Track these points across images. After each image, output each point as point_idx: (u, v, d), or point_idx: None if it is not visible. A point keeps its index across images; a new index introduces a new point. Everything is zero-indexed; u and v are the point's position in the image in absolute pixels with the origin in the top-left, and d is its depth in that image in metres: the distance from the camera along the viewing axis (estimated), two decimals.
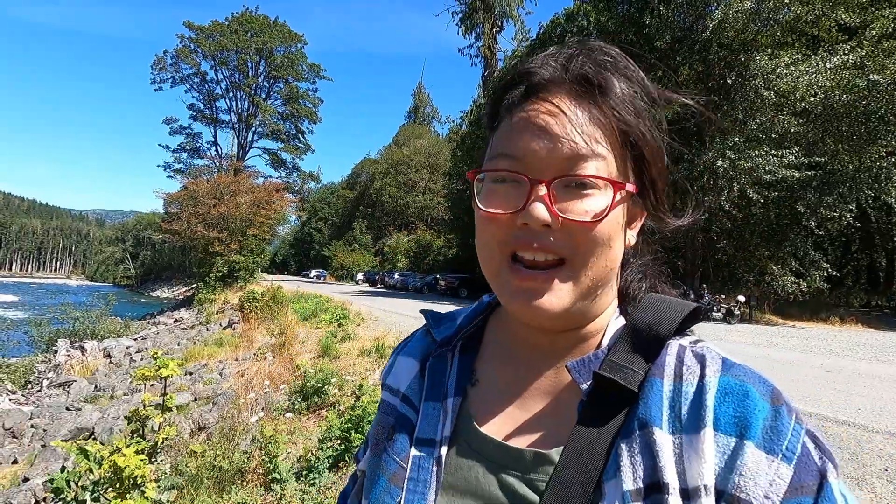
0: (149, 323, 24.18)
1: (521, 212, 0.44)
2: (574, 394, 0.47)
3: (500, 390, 0.52)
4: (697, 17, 15.95)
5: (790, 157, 14.74)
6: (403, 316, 13.10)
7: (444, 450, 0.49)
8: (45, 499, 4.73)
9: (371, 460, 0.57)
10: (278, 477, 2.75)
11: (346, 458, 3.00)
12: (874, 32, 15.08)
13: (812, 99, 15.13)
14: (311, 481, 2.76)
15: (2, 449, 6.99)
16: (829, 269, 17.82)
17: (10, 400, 9.73)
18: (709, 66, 16.39)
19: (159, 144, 37.35)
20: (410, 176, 46.85)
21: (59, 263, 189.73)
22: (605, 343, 0.49)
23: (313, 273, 49.43)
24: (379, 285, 34.16)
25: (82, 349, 15.15)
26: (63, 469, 2.03)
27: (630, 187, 0.46)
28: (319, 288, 25.88)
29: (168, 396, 2.58)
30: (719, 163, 15.15)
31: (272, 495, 2.73)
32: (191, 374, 9.93)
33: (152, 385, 8.06)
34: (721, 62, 15.91)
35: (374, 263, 45.47)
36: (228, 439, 3.59)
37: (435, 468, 0.48)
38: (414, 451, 0.50)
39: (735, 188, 15.44)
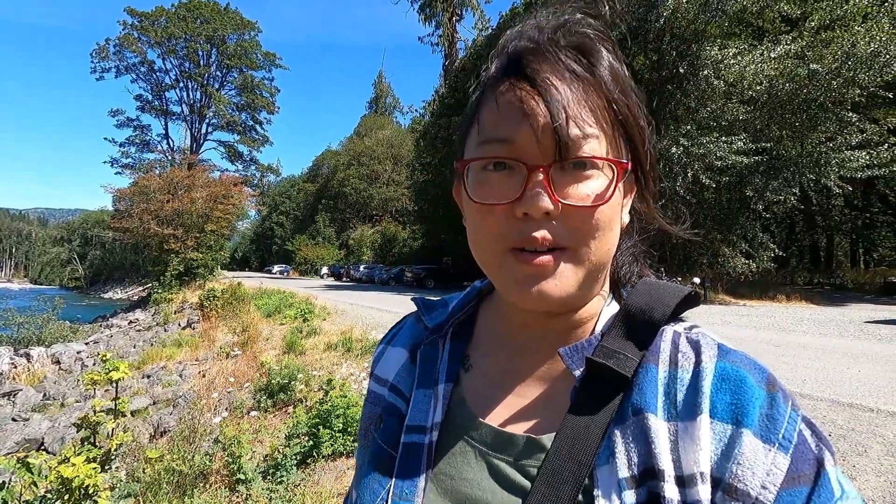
0: (101, 326, 23.03)
1: (518, 201, 0.41)
2: (568, 380, 0.46)
3: (494, 376, 0.51)
4: (650, 8, 16.34)
5: (738, 143, 15.44)
6: (370, 308, 13.00)
7: (435, 435, 0.48)
8: None
9: (359, 452, 0.55)
10: (243, 477, 2.67)
11: (314, 454, 2.95)
12: (813, 23, 15.89)
13: (758, 87, 15.85)
14: (279, 479, 2.69)
15: None
16: (776, 250, 18.86)
17: None
18: (662, 56, 16.88)
19: (105, 138, 35.34)
20: (373, 167, 46.26)
21: None
22: (598, 328, 0.48)
23: (276, 268, 48.26)
24: (345, 279, 33.74)
25: (27, 356, 14.29)
26: (3, 485, 1.88)
27: (629, 165, 0.44)
28: (283, 283, 25.33)
29: (121, 400, 2.45)
30: (673, 150, 15.69)
31: (237, 496, 2.65)
32: (149, 377, 9.55)
33: (106, 390, 7.70)
34: (674, 52, 16.41)
35: (339, 257, 44.81)
36: (189, 442, 3.47)
37: (426, 454, 0.47)
38: (404, 438, 0.49)
39: (689, 174, 16.04)
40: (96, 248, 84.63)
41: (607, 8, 0.49)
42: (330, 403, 3.14)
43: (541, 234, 0.42)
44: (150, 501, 2.46)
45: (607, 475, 0.40)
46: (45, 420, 7.58)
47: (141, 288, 40.37)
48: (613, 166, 0.42)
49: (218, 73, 37.58)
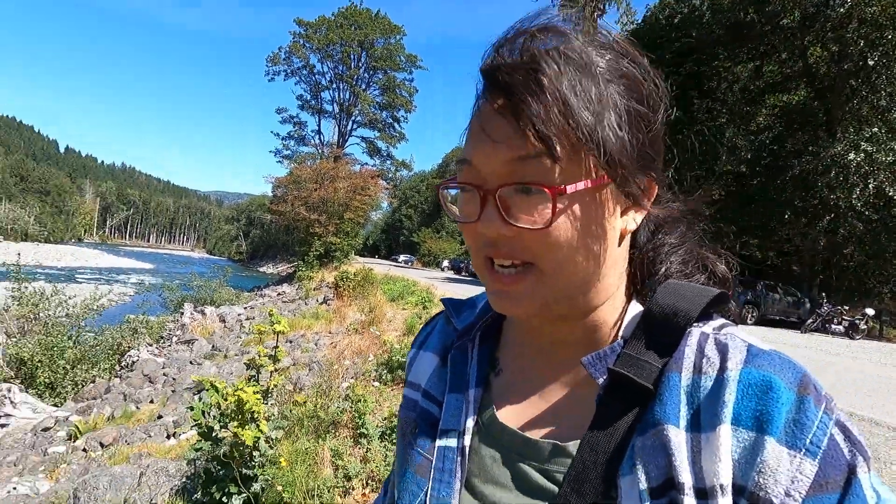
0: (256, 294, 26.71)
1: (478, 222, 0.43)
2: (593, 386, 0.46)
3: (521, 381, 0.51)
4: None
5: None
6: None
7: (467, 440, 0.49)
8: (174, 433, 5.57)
9: (399, 454, 0.58)
10: (366, 432, 3.07)
11: None
12: None
13: None
14: (393, 441, 3.03)
15: (142, 391, 8.27)
16: None
17: (147, 351, 11.43)
18: (845, 46, 14.41)
19: (271, 132, 41.05)
20: None
21: (185, 238, 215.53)
22: (621, 333, 0.48)
23: (402, 258, 51.41)
24: (464, 273, 34.66)
25: (203, 313, 17.27)
26: (200, 400, 2.48)
27: (582, 185, 0.41)
28: (407, 272, 26.86)
29: (279, 349, 2.95)
30: (851, 156, 13.38)
31: (360, 447, 3.06)
32: (291, 342, 10.92)
33: (263, 343, 9.03)
34: (861, 41, 13.91)
35: (460, 252, 46.16)
36: (325, 395, 4.00)
37: (459, 458, 0.49)
38: (439, 443, 0.51)
39: (871, 185, 13.54)
40: (257, 228, 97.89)
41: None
42: None
43: (502, 252, 0.43)
44: (294, 436, 2.97)
45: (629, 486, 0.40)
46: (213, 366, 9.12)
47: (288, 265, 45.91)
48: (549, 192, 0.40)
49: (365, 74, 41.16)
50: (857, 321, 13.20)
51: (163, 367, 9.88)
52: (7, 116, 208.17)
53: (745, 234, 17.77)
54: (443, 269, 40.11)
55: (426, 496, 0.49)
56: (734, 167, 17.71)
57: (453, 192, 0.48)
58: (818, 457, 0.37)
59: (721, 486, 0.37)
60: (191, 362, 10.29)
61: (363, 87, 41.14)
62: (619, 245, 0.46)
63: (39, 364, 9.13)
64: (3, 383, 8.16)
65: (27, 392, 8.37)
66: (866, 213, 14.66)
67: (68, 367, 9.33)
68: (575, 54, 0.42)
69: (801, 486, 0.36)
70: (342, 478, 2.48)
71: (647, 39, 19.00)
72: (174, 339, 13.04)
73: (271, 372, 2.85)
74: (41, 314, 11.19)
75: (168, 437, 5.45)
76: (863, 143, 13.40)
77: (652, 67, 0.47)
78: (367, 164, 38.46)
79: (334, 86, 41.32)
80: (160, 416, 6.27)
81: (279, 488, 2.38)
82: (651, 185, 0.47)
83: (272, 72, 40.25)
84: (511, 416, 0.50)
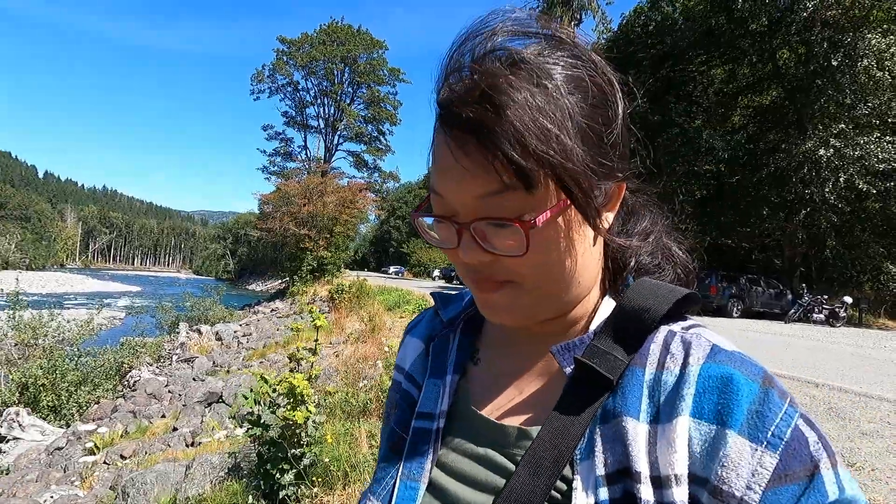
0: (249, 312, 26.72)
1: (457, 249, 0.44)
2: (563, 377, 0.47)
3: (497, 370, 0.54)
4: None
5: None
6: None
7: (441, 422, 0.52)
8: (193, 443, 5.76)
9: (381, 430, 0.63)
10: None
11: None
12: None
13: None
14: None
15: (150, 408, 8.41)
16: None
17: (148, 371, 11.51)
18: (811, 48, 15.17)
19: (257, 149, 41.39)
20: None
21: (170, 259, 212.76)
22: (592, 326, 0.49)
23: (392, 269, 51.58)
24: (455, 282, 34.97)
25: (198, 332, 17.32)
26: (251, 391, 2.78)
27: (542, 218, 0.41)
28: (399, 283, 27.08)
29: (318, 343, 3.25)
30: (821, 152, 14.06)
31: None
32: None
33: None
34: (825, 42, 14.68)
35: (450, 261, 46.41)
36: (353, 386, 4.28)
37: (432, 439, 0.51)
38: (415, 423, 0.53)
39: (841, 179, 14.21)
40: (244, 246, 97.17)
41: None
42: None
43: (483, 275, 0.45)
44: (332, 419, 3.26)
45: (587, 471, 0.42)
46: (219, 381, 9.28)
47: (279, 282, 45.79)
48: (521, 227, 0.41)
49: (349, 89, 41.64)
50: (837, 309, 13.78)
51: (165, 385, 10.00)
52: None
53: (727, 230, 18.38)
54: (434, 279, 40.39)
55: (397, 472, 0.51)
56: (713, 166, 18.37)
57: (429, 220, 0.48)
58: (779, 449, 0.37)
59: (676, 475, 0.38)
60: (193, 379, 10.41)
61: (347, 101, 41.58)
62: (595, 244, 0.47)
63: (42, 388, 9.21)
64: (10, 408, 8.25)
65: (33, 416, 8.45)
66: (839, 205, 15.33)
67: (72, 389, 9.42)
68: (529, 71, 0.40)
69: (761, 479, 0.36)
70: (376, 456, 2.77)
71: (623, 46, 19.69)
72: (174, 357, 13.10)
73: (311, 363, 3.14)
74: (40, 340, 11.26)
75: (187, 445, 5.64)
76: (832, 140, 14.08)
77: (598, 58, 0.45)
78: (354, 177, 38.74)
79: (319, 101, 41.73)
80: (175, 429, 6.45)
81: (326, 460, 2.66)
82: (619, 188, 0.47)
83: (257, 90, 40.52)
84: (484, 402, 0.52)
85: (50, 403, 9.15)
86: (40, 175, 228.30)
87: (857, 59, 13.95)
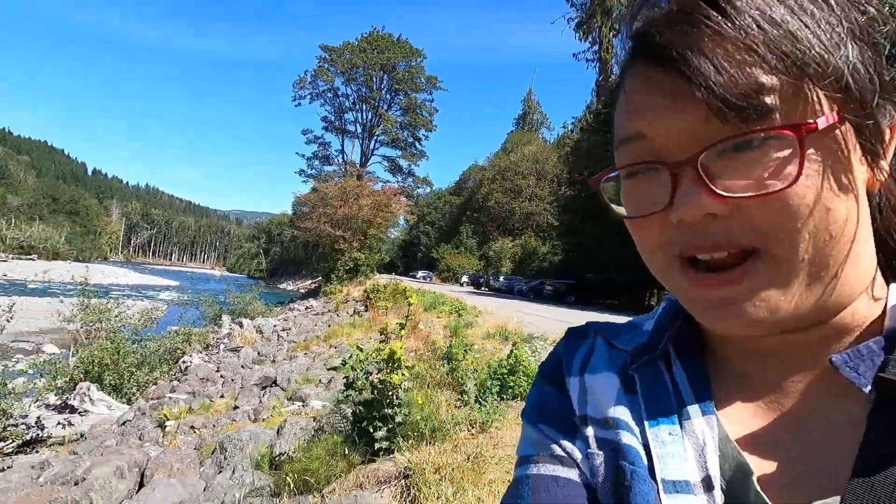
0: (286, 309, 27.66)
1: (670, 206, 0.32)
2: (842, 411, 0.33)
3: (741, 412, 0.38)
4: None
5: None
6: (518, 312, 13.77)
7: (718, 496, 0.34)
8: (255, 419, 6.24)
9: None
10: (465, 389, 3.76)
11: (509, 387, 3.97)
12: None
13: None
14: (484, 401, 3.70)
15: (208, 389, 9.01)
16: None
17: (199, 357, 12.24)
18: None
19: (296, 153, 42.91)
20: (517, 182, 47.48)
21: (206, 256, 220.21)
22: (888, 323, 0.34)
23: (420, 273, 52.12)
24: (483, 288, 35.15)
25: (240, 324, 18.14)
26: (350, 358, 3.23)
27: (823, 121, 0.30)
28: (428, 287, 27.53)
29: (410, 317, 3.66)
30: None
31: (461, 401, 3.75)
32: (335, 347, 11.62)
33: (332, 347, 9.69)
34: None
35: (479, 267, 46.77)
36: (427, 362, 4.68)
37: None
38: (667, 499, 0.35)
39: None
40: (276, 245, 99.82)
41: None
42: (514, 358, 4.08)
43: (712, 239, 0.32)
44: (416, 388, 3.68)
45: None
46: (270, 367, 9.84)
47: (310, 282, 46.96)
48: (793, 132, 0.29)
49: (387, 95, 42.84)
50: None
51: (216, 370, 10.64)
52: (39, 141, 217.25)
53: None
54: (462, 284, 40.69)
55: None
56: None
57: (618, 184, 0.37)
58: None
59: None
60: (242, 366, 11.04)
61: (385, 107, 42.73)
62: (860, 202, 0.33)
63: (106, 367, 9.96)
64: (81, 383, 8.99)
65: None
66: None
67: (132, 369, 10.16)
68: None
69: None
70: (452, 421, 3.12)
71: None
72: (221, 346, 13.84)
73: (401, 336, 3.55)
74: (104, 324, 12.15)
75: (252, 421, 6.12)
76: None
77: None
78: (388, 181, 39.68)
79: (357, 107, 43.04)
80: (236, 407, 6.96)
81: (418, 418, 3.03)
82: (893, 127, 0.34)
83: (298, 96, 42.06)
84: (756, 465, 0.35)
85: (112, 382, 9.89)
86: (89, 172, 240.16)
87: None
